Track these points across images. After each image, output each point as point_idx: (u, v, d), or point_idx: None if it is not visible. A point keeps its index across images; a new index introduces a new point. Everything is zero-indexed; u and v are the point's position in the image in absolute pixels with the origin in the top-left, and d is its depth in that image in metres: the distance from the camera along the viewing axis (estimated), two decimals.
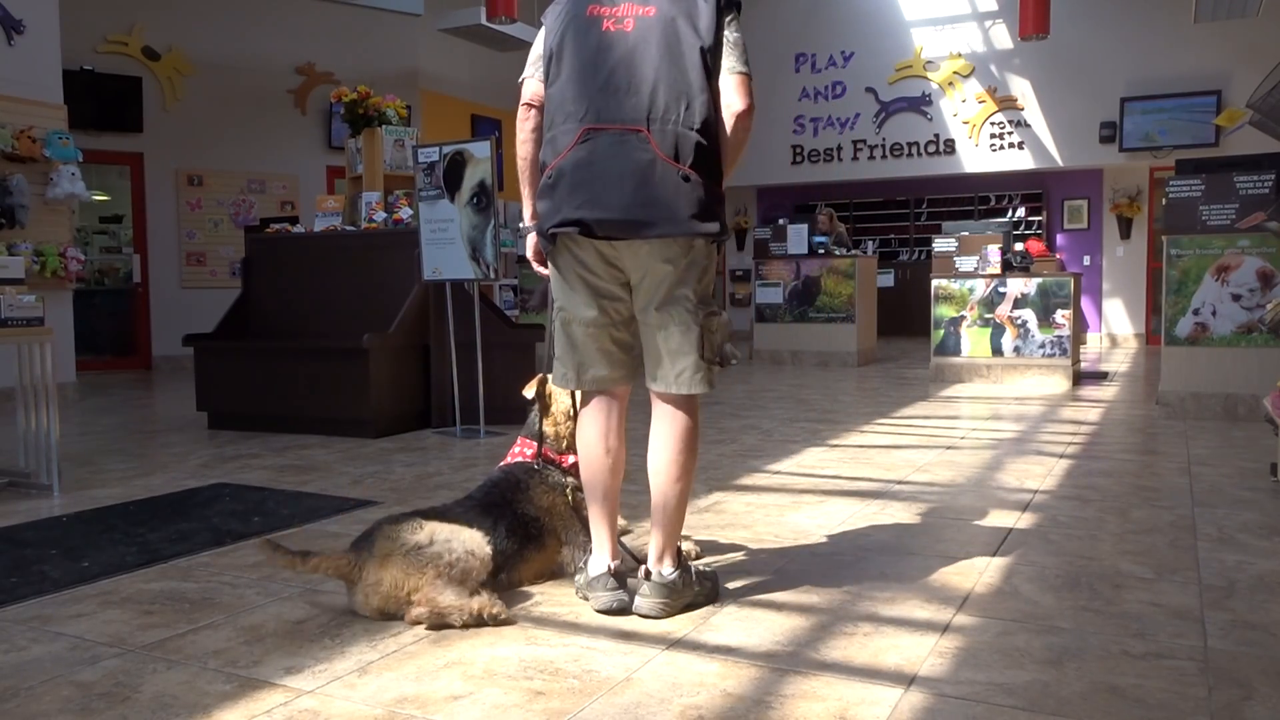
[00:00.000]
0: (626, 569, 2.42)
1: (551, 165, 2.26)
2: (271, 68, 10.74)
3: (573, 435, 2.60)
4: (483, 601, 2.26)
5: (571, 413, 2.67)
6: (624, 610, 2.32)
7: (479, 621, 2.24)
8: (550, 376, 2.53)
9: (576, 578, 2.51)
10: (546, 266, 2.43)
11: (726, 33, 2.27)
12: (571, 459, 2.62)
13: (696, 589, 2.37)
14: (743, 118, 2.27)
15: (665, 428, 2.33)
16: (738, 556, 2.83)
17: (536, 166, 2.36)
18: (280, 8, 10.61)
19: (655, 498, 2.33)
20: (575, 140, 2.21)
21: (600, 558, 2.40)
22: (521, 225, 2.51)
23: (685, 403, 2.33)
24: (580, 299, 2.33)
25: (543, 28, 2.39)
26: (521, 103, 2.39)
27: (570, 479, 2.62)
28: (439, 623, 2.23)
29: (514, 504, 2.55)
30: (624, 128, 2.19)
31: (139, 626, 2.30)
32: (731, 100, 2.27)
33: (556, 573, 2.62)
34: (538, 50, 2.38)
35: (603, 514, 2.39)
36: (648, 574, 2.32)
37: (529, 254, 2.51)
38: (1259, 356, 5.49)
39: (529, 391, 2.71)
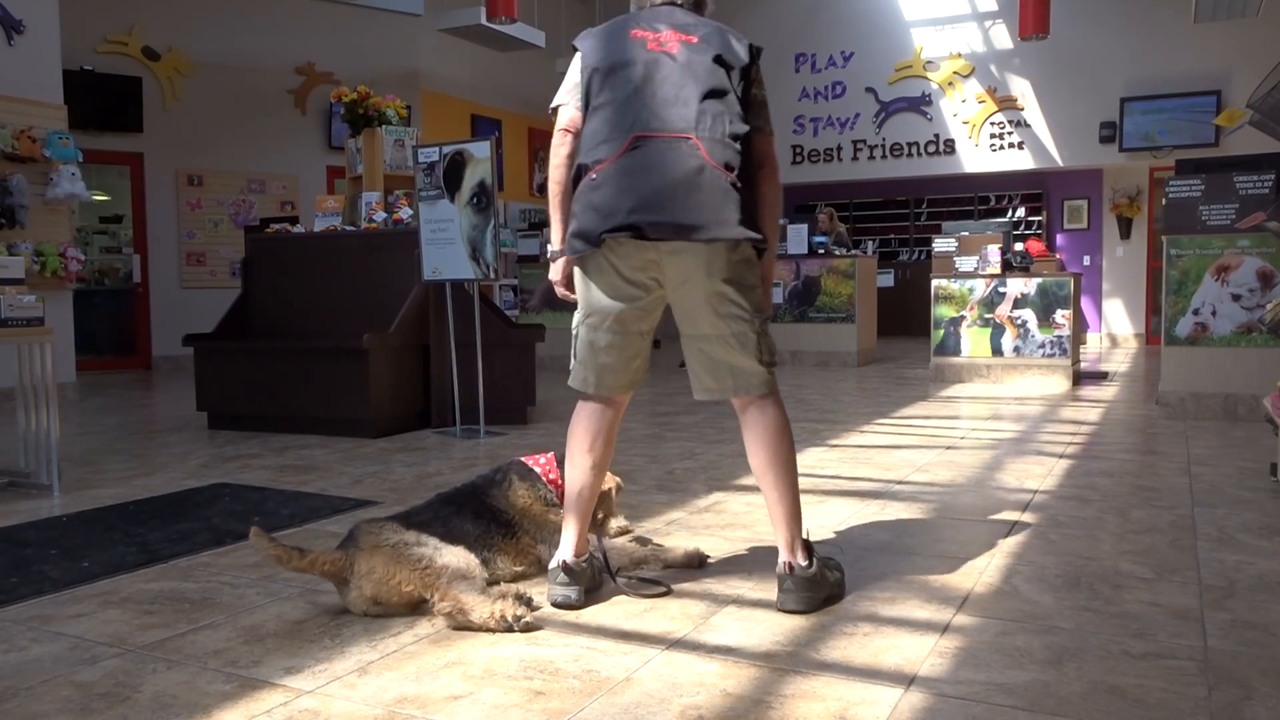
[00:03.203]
0: (587, 567, 2.44)
1: (597, 169, 2.29)
2: (271, 68, 10.74)
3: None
4: (505, 605, 2.21)
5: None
6: (569, 605, 2.36)
7: (505, 626, 2.18)
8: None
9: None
10: (573, 292, 2.46)
11: (755, 90, 2.37)
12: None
13: (833, 580, 2.41)
14: (769, 176, 2.37)
15: (757, 429, 2.38)
16: (738, 557, 2.83)
17: (569, 193, 2.38)
18: (280, 8, 10.60)
19: (769, 496, 2.37)
20: (625, 147, 2.25)
21: (562, 552, 2.42)
22: (550, 250, 2.46)
23: (767, 401, 2.38)
24: (610, 306, 2.35)
25: (577, 54, 2.41)
26: (558, 128, 2.38)
27: (559, 502, 2.68)
28: (463, 621, 2.20)
29: (484, 496, 2.63)
30: (673, 135, 2.24)
31: (139, 626, 2.30)
32: (760, 157, 2.36)
33: (531, 569, 2.64)
34: (574, 75, 2.40)
35: (575, 511, 2.43)
36: (790, 569, 2.33)
37: (556, 278, 2.48)
38: (1259, 356, 5.48)
39: (608, 484, 2.77)
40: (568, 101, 2.40)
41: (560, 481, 2.72)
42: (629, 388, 2.45)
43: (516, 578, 2.59)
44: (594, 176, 2.29)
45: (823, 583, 2.36)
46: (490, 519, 2.58)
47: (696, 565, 2.70)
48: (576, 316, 2.44)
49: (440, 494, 2.70)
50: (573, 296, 2.47)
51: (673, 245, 2.25)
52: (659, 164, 2.23)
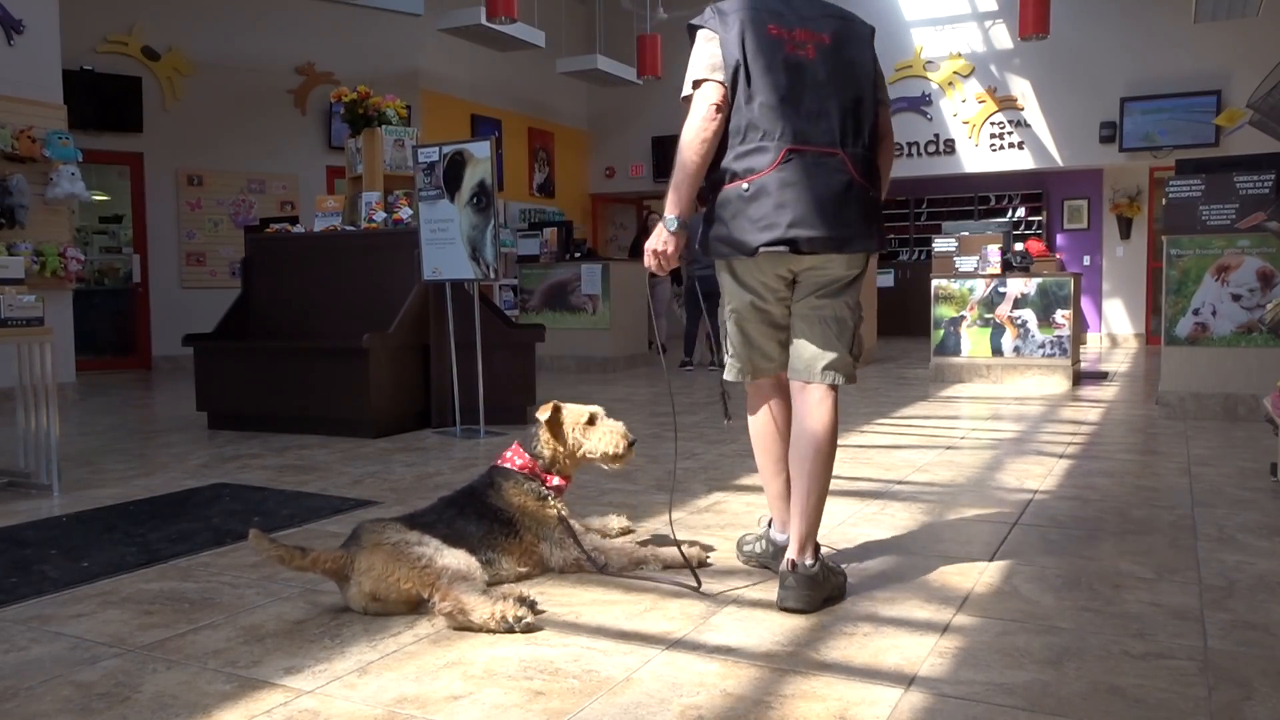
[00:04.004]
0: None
1: (749, 179, 2.36)
2: (271, 68, 10.74)
3: (566, 460, 2.75)
4: (506, 606, 2.20)
5: (576, 447, 2.76)
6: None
7: (506, 627, 2.18)
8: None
9: (745, 547, 2.70)
10: (674, 265, 2.46)
11: (876, 64, 2.51)
12: (557, 480, 2.72)
13: (835, 582, 2.42)
14: (888, 144, 2.53)
15: (810, 422, 2.42)
16: (738, 556, 2.82)
17: (705, 170, 2.41)
18: (280, 8, 10.61)
19: (799, 489, 2.40)
20: (778, 160, 2.34)
21: (789, 547, 2.42)
22: (670, 221, 2.41)
23: (830, 396, 2.45)
24: (757, 301, 2.49)
25: (710, 34, 2.43)
26: (709, 102, 2.37)
27: (549, 492, 2.69)
28: (463, 622, 2.20)
29: (484, 497, 2.64)
30: (821, 150, 2.35)
31: (139, 626, 2.30)
32: (881, 131, 2.50)
33: (535, 570, 2.65)
34: (715, 56, 2.40)
35: (781, 487, 2.54)
36: (793, 566, 2.35)
37: (668, 249, 2.43)
38: (1259, 356, 5.48)
39: (543, 415, 2.75)
40: (719, 80, 2.38)
41: (537, 467, 2.71)
42: (783, 369, 2.55)
43: (520, 578, 2.59)
44: (746, 187, 2.36)
45: (824, 583, 2.36)
46: (492, 519, 2.59)
47: (696, 565, 2.70)
48: (723, 312, 2.58)
49: (443, 497, 2.71)
50: (666, 271, 2.49)
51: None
52: (811, 180, 2.33)
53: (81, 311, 8.12)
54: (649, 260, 2.46)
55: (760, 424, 2.61)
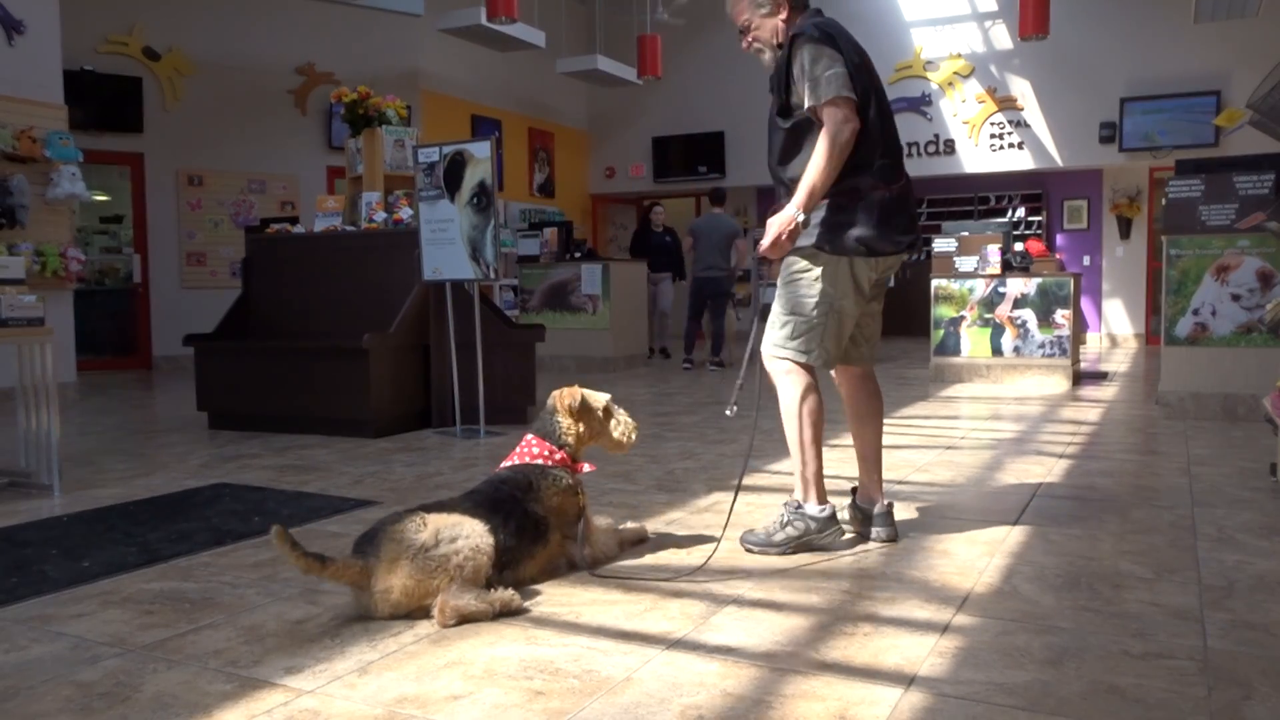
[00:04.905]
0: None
1: (885, 188, 2.75)
2: (271, 68, 10.75)
3: (583, 446, 2.83)
4: (504, 599, 2.31)
5: (596, 434, 2.85)
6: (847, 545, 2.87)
7: (501, 615, 2.30)
8: (797, 357, 2.81)
9: (782, 532, 2.83)
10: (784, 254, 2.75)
11: None
12: (587, 467, 2.78)
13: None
14: None
15: (869, 390, 2.97)
16: (738, 556, 2.83)
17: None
18: (280, 8, 10.61)
19: (873, 441, 2.97)
20: (901, 176, 2.81)
21: (823, 502, 2.84)
22: (804, 217, 2.67)
23: (873, 370, 3.03)
24: (857, 296, 2.81)
25: (835, 53, 2.65)
26: (854, 124, 2.64)
27: (577, 483, 2.70)
28: (464, 622, 2.26)
29: (523, 502, 2.54)
30: (904, 172, 2.84)
31: (139, 626, 2.30)
32: None
33: (556, 569, 2.65)
34: (844, 71, 2.64)
35: (820, 466, 2.83)
36: (889, 506, 2.97)
37: (785, 237, 2.67)
38: (1259, 356, 5.49)
39: (571, 401, 2.77)
40: (854, 99, 2.64)
41: (566, 457, 2.70)
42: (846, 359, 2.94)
43: (534, 581, 2.56)
44: (885, 196, 2.74)
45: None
46: (534, 532, 2.52)
47: (643, 540, 2.98)
48: (820, 306, 2.78)
49: (482, 495, 2.54)
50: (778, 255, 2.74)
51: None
52: (910, 195, 2.85)
53: (82, 311, 8.12)
54: (771, 245, 2.67)
55: (817, 408, 2.81)
